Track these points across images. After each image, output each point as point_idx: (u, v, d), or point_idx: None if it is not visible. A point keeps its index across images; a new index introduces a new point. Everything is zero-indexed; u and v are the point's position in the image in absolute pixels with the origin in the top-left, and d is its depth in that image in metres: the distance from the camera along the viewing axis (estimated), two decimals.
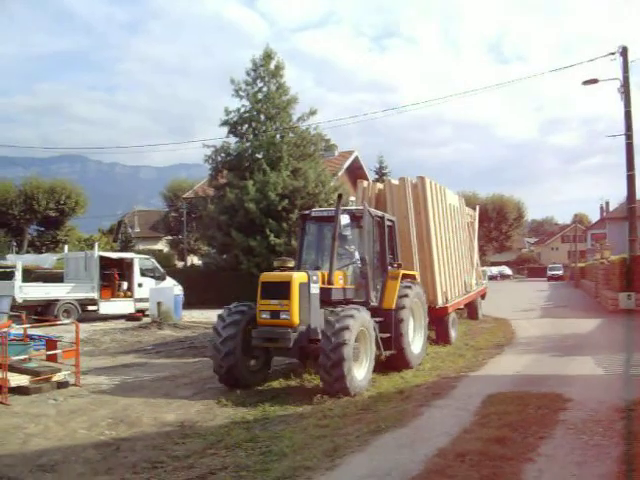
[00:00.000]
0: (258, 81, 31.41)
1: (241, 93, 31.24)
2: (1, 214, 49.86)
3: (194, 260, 53.90)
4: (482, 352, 14.95)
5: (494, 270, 75.88)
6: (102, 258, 26.87)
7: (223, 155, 31.26)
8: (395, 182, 17.31)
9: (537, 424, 7.91)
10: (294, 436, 8.05)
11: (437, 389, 10.60)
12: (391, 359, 12.51)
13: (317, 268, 12.46)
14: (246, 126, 31.17)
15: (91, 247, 33.01)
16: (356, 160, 44.22)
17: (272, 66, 31.47)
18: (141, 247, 53.26)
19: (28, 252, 48.24)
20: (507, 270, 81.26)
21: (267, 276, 11.53)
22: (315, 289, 11.26)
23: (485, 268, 66.30)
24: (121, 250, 44.59)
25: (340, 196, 12.69)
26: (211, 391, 11.28)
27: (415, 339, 13.56)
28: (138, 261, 27.94)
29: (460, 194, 23.53)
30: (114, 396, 11.13)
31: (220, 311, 11.75)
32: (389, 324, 12.48)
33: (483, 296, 24.36)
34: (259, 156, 30.26)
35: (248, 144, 30.79)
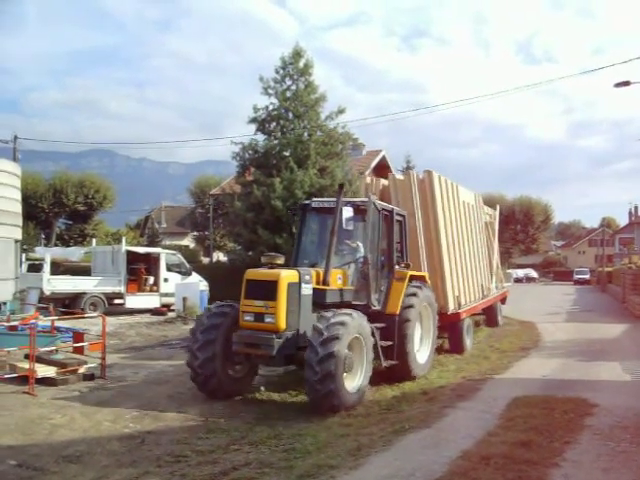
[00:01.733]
0: (287, 79, 31.34)
1: (270, 91, 31.21)
2: (31, 207, 50.30)
3: (220, 256, 54.12)
4: (507, 355, 14.85)
5: (520, 273, 75.26)
6: (129, 252, 27.05)
7: (251, 152, 31.26)
8: (400, 177, 16.21)
9: (563, 429, 7.86)
10: (318, 434, 8.07)
11: (462, 391, 10.57)
12: (393, 369, 11.38)
13: (313, 265, 11.21)
14: (274, 124, 31.14)
15: (118, 241, 33.23)
16: (384, 159, 44.09)
17: (301, 64, 31.39)
18: (167, 242, 53.51)
19: (56, 245, 48.73)
20: (533, 273, 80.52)
21: (252, 273, 10.37)
22: (307, 290, 10.11)
23: (511, 270, 65.90)
24: (148, 245, 44.89)
25: (341, 186, 11.17)
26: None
27: (422, 348, 12.53)
28: (165, 256, 28.11)
29: (487, 195, 23.00)
30: (139, 389, 11.20)
31: None
32: (392, 331, 11.34)
33: (503, 301, 22.78)
34: (287, 154, 30.21)
35: (276, 142, 30.77)
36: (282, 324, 9.67)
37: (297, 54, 31.63)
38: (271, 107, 31.36)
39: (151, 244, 47.72)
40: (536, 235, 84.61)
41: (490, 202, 26.74)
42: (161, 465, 7.01)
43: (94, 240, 34.15)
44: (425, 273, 13.58)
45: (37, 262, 26.74)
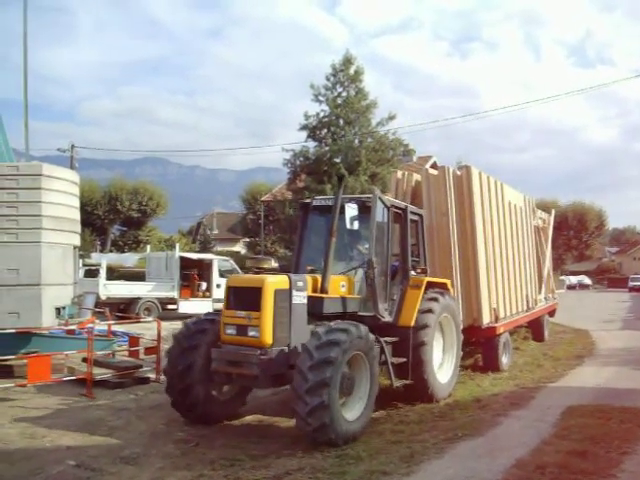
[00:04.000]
0: (338, 86, 31.60)
1: (320, 98, 31.50)
2: (87, 214, 51.47)
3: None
4: (561, 363, 14.64)
5: (573, 279, 74.09)
6: (182, 258, 27.46)
7: (302, 159, 31.58)
8: (434, 172, 14.30)
9: (620, 439, 7.72)
10: (370, 440, 8.08)
11: (515, 399, 10.46)
12: (409, 389, 10.05)
13: (312, 271, 9.69)
14: (325, 130, 31.42)
15: (171, 247, 33.72)
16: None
17: (352, 71, 31.62)
18: (219, 248, 54.17)
19: (111, 251, 49.78)
20: (586, 280, 79.11)
21: (234, 279, 9.54)
22: (300, 298, 8.68)
23: (564, 277, 64.69)
24: (200, 251, 45.45)
25: (341, 178, 10.10)
26: (289, 391, 11.31)
27: (444, 365, 11.04)
28: (217, 262, 28.44)
29: (540, 201, 22.33)
30: None
31: None
32: (406, 345, 9.85)
33: (552, 313, 21.03)
34: (337, 160, 30.42)
35: (327, 148, 31.02)
36: (268, 338, 8.28)
37: (347, 61, 31.88)
38: (322, 114, 31.69)
39: (203, 250, 48.29)
40: (590, 241, 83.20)
41: (543, 208, 26.20)
42: (215, 468, 7.09)
43: (148, 246, 34.77)
44: (447, 280, 11.69)
45: (94, 268, 27.33)
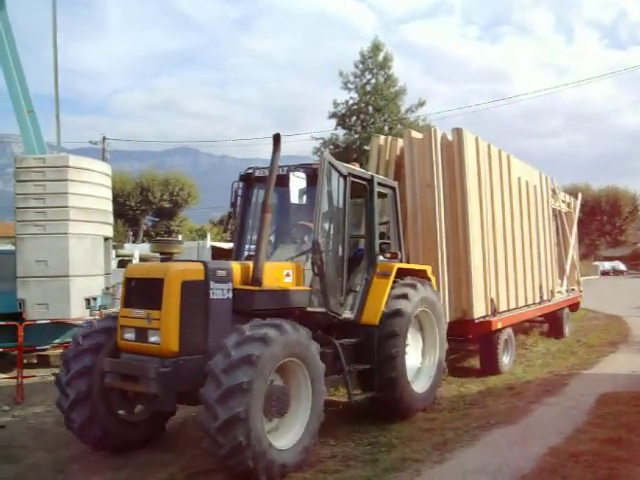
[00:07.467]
0: (366, 73, 31.56)
1: (349, 85, 31.50)
2: (119, 205, 51.99)
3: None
4: (595, 350, 14.48)
5: (607, 265, 73.29)
6: (214, 248, 27.70)
7: (331, 147, 31.59)
8: (418, 136, 11.79)
9: None
10: (402, 428, 8.08)
11: (548, 386, 10.38)
12: (375, 404, 8.37)
13: (250, 257, 7.84)
14: (354, 118, 31.43)
15: (203, 237, 33.91)
16: None
17: (380, 58, 31.53)
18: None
19: (143, 241, 50.18)
20: (621, 265, 78.11)
21: (134, 269, 7.53)
22: (220, 292, 6.74)
23: (597, 263, 63.89)
24: (231, 241, 45.78)
25: (277, 137, 7.46)
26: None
27: (423, 370, 9.10)
28: None
29: (572, 186, 21.75)
30: None
31: None
32: (371, 349, 8.05)
33: (574, 307, 18.95)
34: (367, 148, 30.40)
35: (356, 136, 31.02)
36: (172, 345, 6.38)
37: (376, 48, 31.83)
38: (351, 101, 31.76)
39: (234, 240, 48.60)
40: (624, 226, 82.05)
41: (575, 193, 25.75)
42: None
43: (180, 236, 35.04)
44: (426, 266, 9.67)
45: (126, 258, 27.64)
